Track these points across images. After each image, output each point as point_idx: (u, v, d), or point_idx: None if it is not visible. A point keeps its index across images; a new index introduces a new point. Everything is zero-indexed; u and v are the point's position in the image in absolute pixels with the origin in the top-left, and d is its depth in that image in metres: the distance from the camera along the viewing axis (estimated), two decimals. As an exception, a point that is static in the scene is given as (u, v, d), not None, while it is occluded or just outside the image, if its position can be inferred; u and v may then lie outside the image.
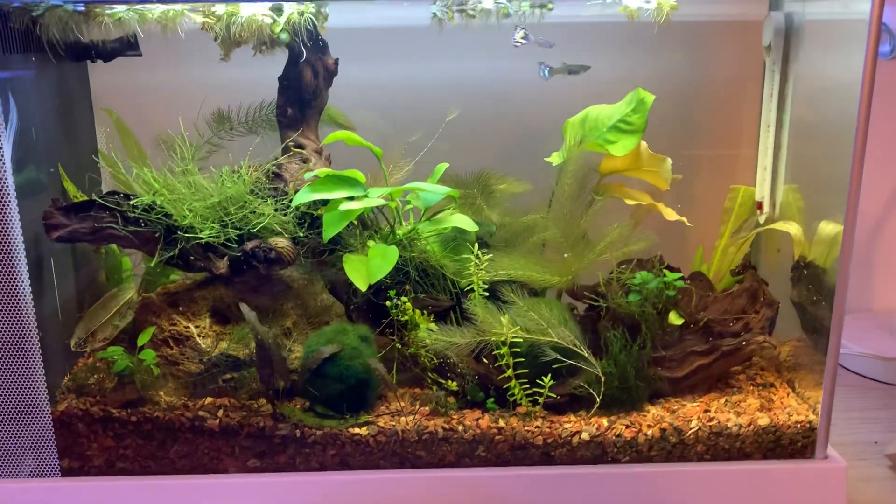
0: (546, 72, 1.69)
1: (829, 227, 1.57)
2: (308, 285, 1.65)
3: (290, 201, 1.54)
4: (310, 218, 1.56)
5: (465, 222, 1.59)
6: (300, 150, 1.61)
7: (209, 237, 1.48)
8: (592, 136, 1.73)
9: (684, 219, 1.73)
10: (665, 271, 1.65)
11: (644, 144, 1.74)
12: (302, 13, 1.56)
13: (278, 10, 1.56)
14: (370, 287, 1.53)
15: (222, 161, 1.63)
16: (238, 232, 1.48)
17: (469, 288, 1.59)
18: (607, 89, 1.78)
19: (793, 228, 1.66)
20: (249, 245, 1.48)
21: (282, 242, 1.49)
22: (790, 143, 1.74)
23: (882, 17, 1.39)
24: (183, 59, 1.79)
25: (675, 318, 1.61)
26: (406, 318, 1.57)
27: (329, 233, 1.49)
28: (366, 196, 1.54)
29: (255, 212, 1.49)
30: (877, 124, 1.39)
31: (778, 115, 1.75)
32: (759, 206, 1.79)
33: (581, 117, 1.77)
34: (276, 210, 1.52)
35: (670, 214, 1.73)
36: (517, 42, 1.62)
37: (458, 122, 1.79)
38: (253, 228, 1.47)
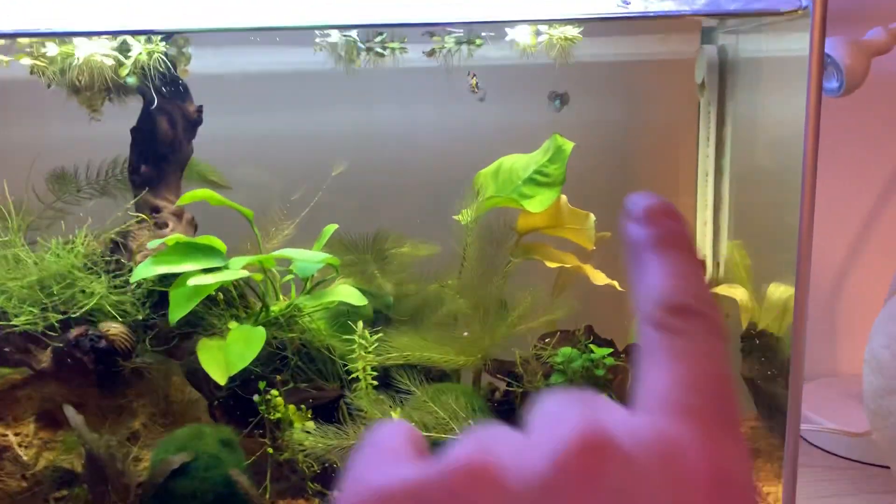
0: (558, 102, 1.49)
1: (779, 290, 1.34)
2: (167, 377, 1.37)
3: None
4: (158, 296, 1.29)
5: (351, 295, 1.33)
6: (142, 216, 1.35)
7: (25, 324, 1.19)
8: (507, 189, 1.49)
9: (615, 282, 1.49)
10: (591, 346, 1.39)
11: (564, 199, 1.50)
12: (150, 53, 1.31)
13: (125, 50, 1.32)
14: (236, 377, 1.26)
15: (67, 231, 1.36)
16: (62, 316, 1.20)
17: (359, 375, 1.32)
18: (528, 136, 1.56)
19: (738, 293, 1.43)
20: (73, 333, 1.20)
21: (115, 328, 1.21)
22: (732, 192, 1.52)
23: (823, 51, 1.18)
24: (23, 113, 1.54)
25: (605, 404, 1.35)
26: (278, 415, 1.29)
27: (176, 314, 1.22)
28: (225, 267, 1.27)
29: (85, 291, 1.21)
30: (827, 168, 1.17)
31: (716, 162, 1.53)
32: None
33: (494, 168, 1.53)
34: (114, 287, 1.24)
35: (598, 278, 1.48)
36: (475, 90, 1.44)
37: (356, 177, 1.55)
38: (77, 311, 1.19)
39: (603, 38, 1.67)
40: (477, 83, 1.46)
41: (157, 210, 1.39)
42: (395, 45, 1.36)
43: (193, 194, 1.34)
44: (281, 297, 1.41)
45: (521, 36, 1.41)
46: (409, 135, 1.67)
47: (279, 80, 1.63)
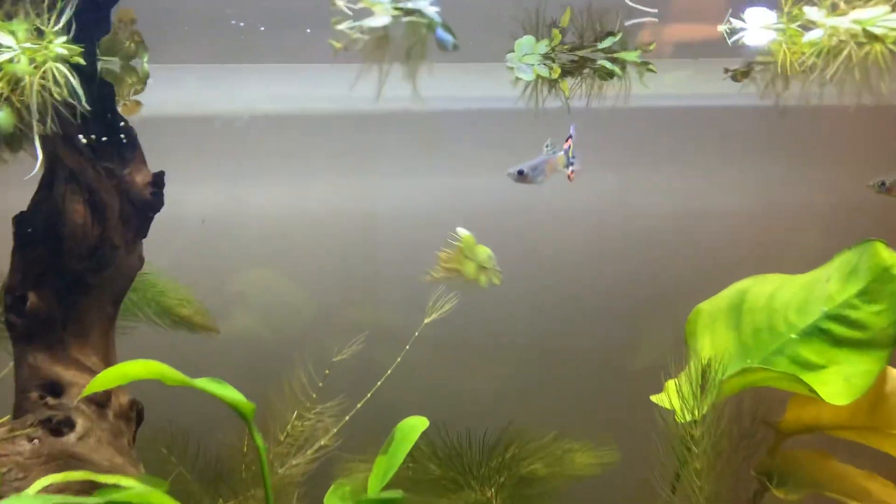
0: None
1: None
2: None
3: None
4: None
5: None
6: (36, 401, 0.62)
7: None
8: (764, 346, 0.79)
9: None
10: None
11: (894, 376, 0.74)
12: (42, 60, 0.60)
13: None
14: None
15: None
16: None
17: None
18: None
19: None
20: None
21: None
22: None
23: None
24: None
25: None
26: None
27: None
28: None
29: None
30: None
31: None
32: None
33: (732, 301, 0.84)
34: None
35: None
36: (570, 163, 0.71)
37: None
38: None
39: None
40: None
41: (54, 389, 0.66)
42: (634, 54, 0.63)
43: (123, 370, 0.59)
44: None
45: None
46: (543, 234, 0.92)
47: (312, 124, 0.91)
